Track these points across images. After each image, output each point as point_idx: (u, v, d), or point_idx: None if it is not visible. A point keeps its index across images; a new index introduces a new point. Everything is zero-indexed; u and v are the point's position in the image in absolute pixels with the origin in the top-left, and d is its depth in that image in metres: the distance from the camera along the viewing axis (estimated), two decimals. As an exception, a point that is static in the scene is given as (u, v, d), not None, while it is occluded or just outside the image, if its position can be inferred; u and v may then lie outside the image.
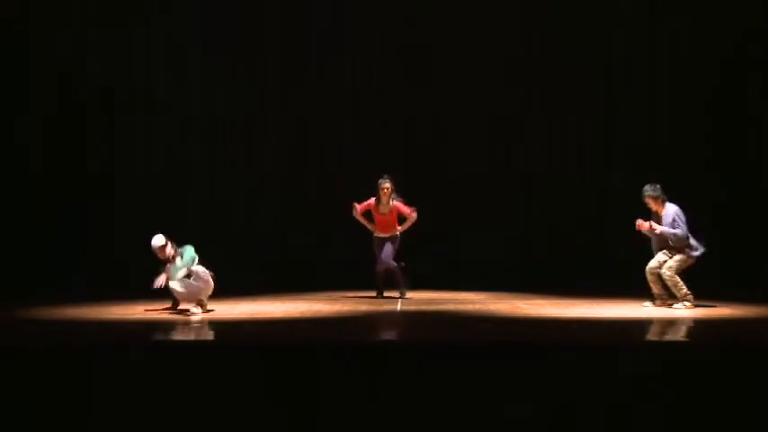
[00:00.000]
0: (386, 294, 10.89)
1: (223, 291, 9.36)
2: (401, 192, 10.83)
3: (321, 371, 6.23)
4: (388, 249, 10.70)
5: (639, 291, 9.91)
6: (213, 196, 13.44)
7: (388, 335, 8.31)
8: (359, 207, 10.75)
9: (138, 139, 13.46)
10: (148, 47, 13.43)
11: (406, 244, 10.93)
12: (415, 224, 10.77)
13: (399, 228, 10.78)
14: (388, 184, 10.72)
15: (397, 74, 13.49)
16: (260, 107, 13.55)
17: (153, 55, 13.44)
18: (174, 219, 12.06)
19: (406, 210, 10.72)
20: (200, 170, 13.49)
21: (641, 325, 8.44)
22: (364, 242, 11.04)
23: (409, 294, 10.88)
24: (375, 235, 10.83)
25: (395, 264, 10.76)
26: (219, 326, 8.30)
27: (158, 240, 8.87)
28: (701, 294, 9.60)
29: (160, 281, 8.78)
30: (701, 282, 9.64)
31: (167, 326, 8.22)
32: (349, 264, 12.23)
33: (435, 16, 13.44)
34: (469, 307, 9.86)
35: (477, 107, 13.39)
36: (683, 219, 9.38)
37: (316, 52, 13.45)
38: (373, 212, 10.81)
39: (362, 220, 10.85)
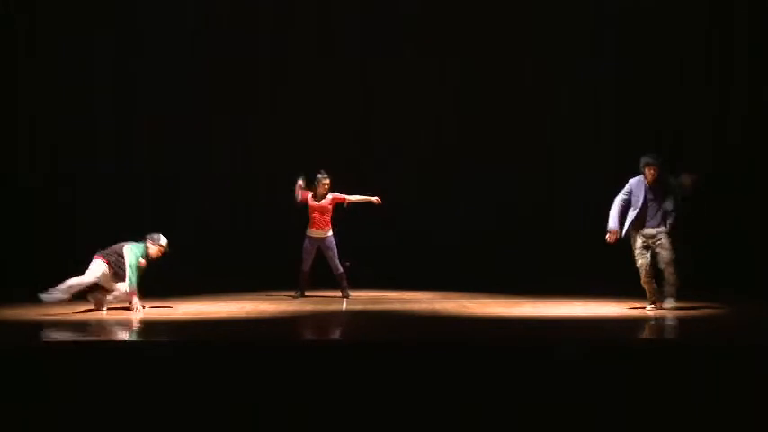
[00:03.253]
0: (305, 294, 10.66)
1: (161, 291, 9.29)
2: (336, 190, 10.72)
3: (271, 370, 6.16)
4: (332, 256, 10.55)
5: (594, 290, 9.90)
6: (156, 197, 13.04)
7: (335, 334, 8.22)
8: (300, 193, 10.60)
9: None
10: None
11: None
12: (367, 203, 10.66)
13: (353, 198, 10.62)
14: (327, 180, 10.60)
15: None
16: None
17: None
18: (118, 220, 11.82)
19: (341, 196, 10.62)
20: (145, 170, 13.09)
21: (590, 324, 8.31)
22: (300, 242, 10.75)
23: (355, 294, 10.73)
24: (308, 234, 10.62)
25: (341, 269, 10.62)
26: (167, 326, 8.10)
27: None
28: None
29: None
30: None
31: (111, 326, 8.06)
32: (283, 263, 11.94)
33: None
34: (415, 306, 9.74)
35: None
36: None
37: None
38: (309, 202, 10.59)
39: (299, 192, 10.58)
